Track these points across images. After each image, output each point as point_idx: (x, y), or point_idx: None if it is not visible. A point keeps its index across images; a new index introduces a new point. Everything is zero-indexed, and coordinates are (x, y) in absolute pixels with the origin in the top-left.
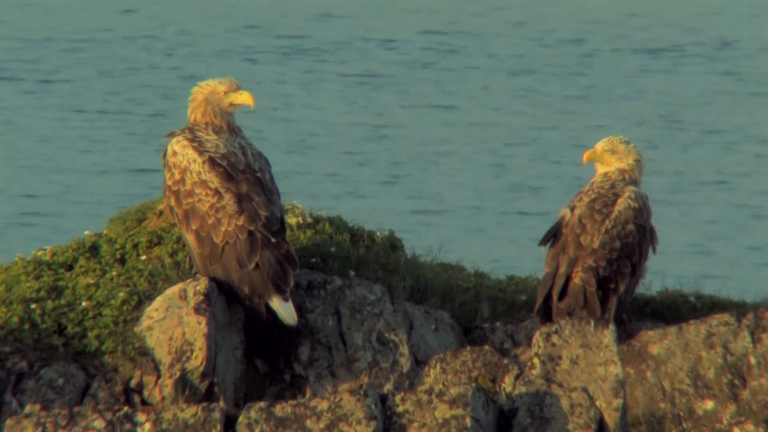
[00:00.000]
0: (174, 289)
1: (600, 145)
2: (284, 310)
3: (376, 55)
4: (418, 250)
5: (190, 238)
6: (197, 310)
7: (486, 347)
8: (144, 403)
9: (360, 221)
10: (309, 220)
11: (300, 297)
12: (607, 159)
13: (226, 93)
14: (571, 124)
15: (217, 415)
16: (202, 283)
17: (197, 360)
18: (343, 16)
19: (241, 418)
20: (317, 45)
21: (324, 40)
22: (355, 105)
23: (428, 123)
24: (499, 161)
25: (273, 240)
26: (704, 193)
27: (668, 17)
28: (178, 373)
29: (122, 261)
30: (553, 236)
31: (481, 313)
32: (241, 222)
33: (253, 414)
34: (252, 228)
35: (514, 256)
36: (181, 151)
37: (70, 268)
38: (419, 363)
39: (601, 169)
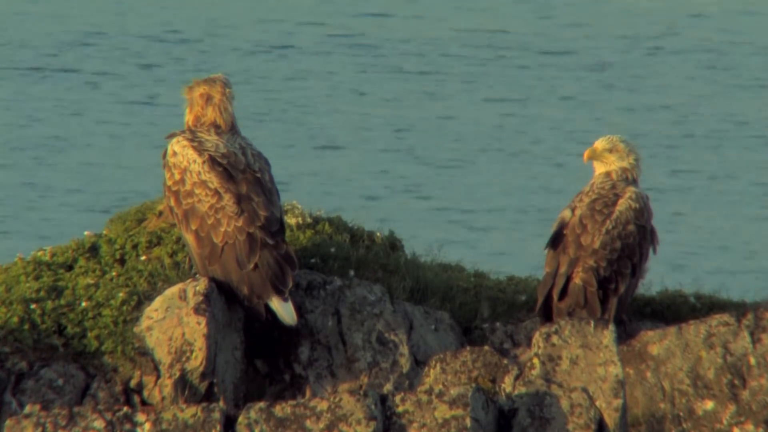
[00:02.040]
0: (174, 290)
1: (599, 144)
2: (284, 310)
3: (401, 54)
4: (418, 250)
5: (189, 239)
6: (197, 310)
7: (486, 347)
8: (144, 403)
9: (360, 221)
10: (309, 220)
11: (300, 297)
12: (607, 158)
13: (227, 91)
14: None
15: (216, 415)
16: (201, 284)
17: (197, 360)
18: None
19: (240, 419)
20: (365, 42)
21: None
22: (371, 100)
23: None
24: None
25: (272, 241)
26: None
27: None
28: (177, 374)
29: (122, 261)
30: (555, 238)
31: (481, 313)
32: (240, 223)
33: (252, 414)
34: (251, 229)
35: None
36: (181, 151)
37: (69, 268)
38: (419, 363)
39: (600, 169)
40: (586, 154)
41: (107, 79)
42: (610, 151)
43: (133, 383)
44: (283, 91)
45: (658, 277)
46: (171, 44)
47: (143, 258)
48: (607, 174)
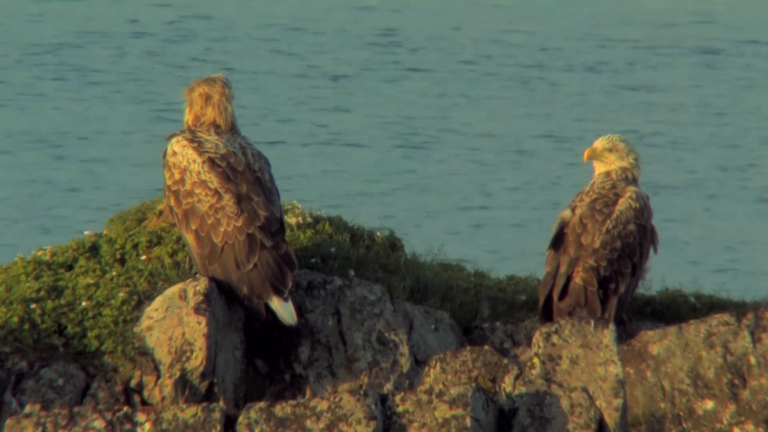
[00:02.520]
0: (174, 289)
1: (599, 144)
2: (284, 310)
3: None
4: (420, 249)
5: (189, 238)
6: (197, 310)
7: (486, 347)
8: (144, 403)
9: (360, 221)
10: (309, 219)
11: (300, 297)
12: (607, 157)
13: (226, 91)
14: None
15: (217, 415)
16: (201, 283)
17: (197, 360)
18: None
19: (241, 418)
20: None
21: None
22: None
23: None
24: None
25: (271, 241)
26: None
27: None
28: (178, 373)
29: (122, 261)
30: (555, 238)
31: (481, 313)
32: (240, 223)
33: (253, 414)
34: (251, 229)
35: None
36: (180, 151)
37: (70, 268)
38: (419, 363)
39: (600, 169)
40: (585, 154)
41: (110, 78)
42: (610, 150)
43: (133, 383)
44: (289, 90)
45: (658, 276)
46: (175, 43)
47: (143, 258)
48: (607, 173)
